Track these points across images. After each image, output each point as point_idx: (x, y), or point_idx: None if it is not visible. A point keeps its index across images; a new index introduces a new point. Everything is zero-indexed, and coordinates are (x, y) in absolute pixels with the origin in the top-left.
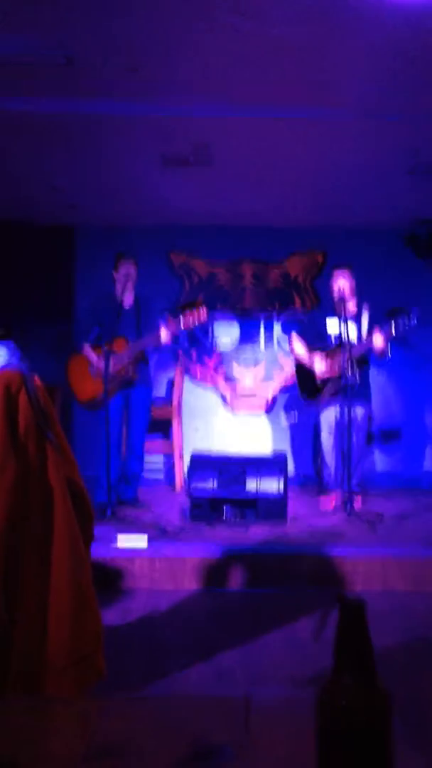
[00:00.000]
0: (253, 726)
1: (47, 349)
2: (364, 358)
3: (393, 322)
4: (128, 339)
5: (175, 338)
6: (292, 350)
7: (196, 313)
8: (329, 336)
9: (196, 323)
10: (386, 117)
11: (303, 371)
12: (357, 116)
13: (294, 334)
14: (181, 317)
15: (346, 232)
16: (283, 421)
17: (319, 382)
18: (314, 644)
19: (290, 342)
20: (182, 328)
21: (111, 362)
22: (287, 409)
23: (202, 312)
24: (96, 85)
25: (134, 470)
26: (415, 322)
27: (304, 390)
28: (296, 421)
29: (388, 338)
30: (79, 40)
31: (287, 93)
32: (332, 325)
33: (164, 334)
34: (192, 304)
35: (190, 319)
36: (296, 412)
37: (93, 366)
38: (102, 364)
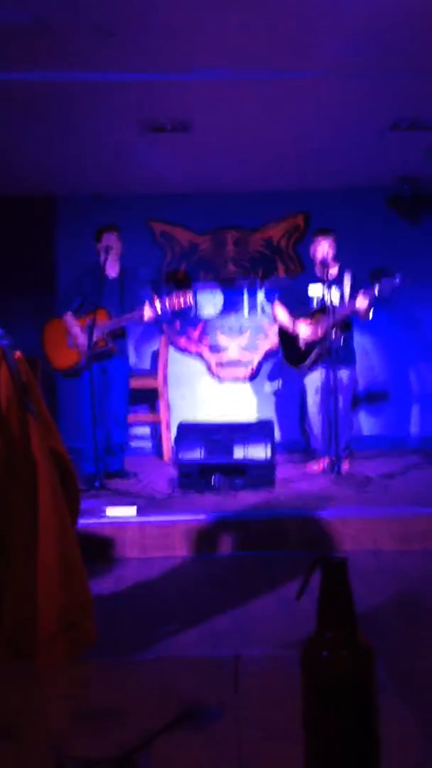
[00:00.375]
0: (241, 685)
1: (28, 320)
2: (348, 321)
3: (376, 284)
4: (109, 311)
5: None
6: (275, 317)
7: (182, 297)
8: (311, 301)
9: (181, 306)
10: (365, 74)
11: (287, 338)
12: (336, 75)
13: (276, 301)
14: (167, 300)
15: (328, 194)
16: (268, 387)
17: (303, 347)
18: (307, 606)
19: (273, 309)
20: (167, 308)
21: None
22: (272, 375)
23: (188, 295)
24: (68, 51)
25: (119, 441)
26: (399, 282)
27: (289, 357)
28: (280, 387)
29: (372, 300)
30: (47, 2)
31: (264, 55)
32: (315, 290)
33: (147, 313)
34: (176, 278)
35: (176, 302)
36: (280, 379)
37: (71, 336)
38: (82, 336)
